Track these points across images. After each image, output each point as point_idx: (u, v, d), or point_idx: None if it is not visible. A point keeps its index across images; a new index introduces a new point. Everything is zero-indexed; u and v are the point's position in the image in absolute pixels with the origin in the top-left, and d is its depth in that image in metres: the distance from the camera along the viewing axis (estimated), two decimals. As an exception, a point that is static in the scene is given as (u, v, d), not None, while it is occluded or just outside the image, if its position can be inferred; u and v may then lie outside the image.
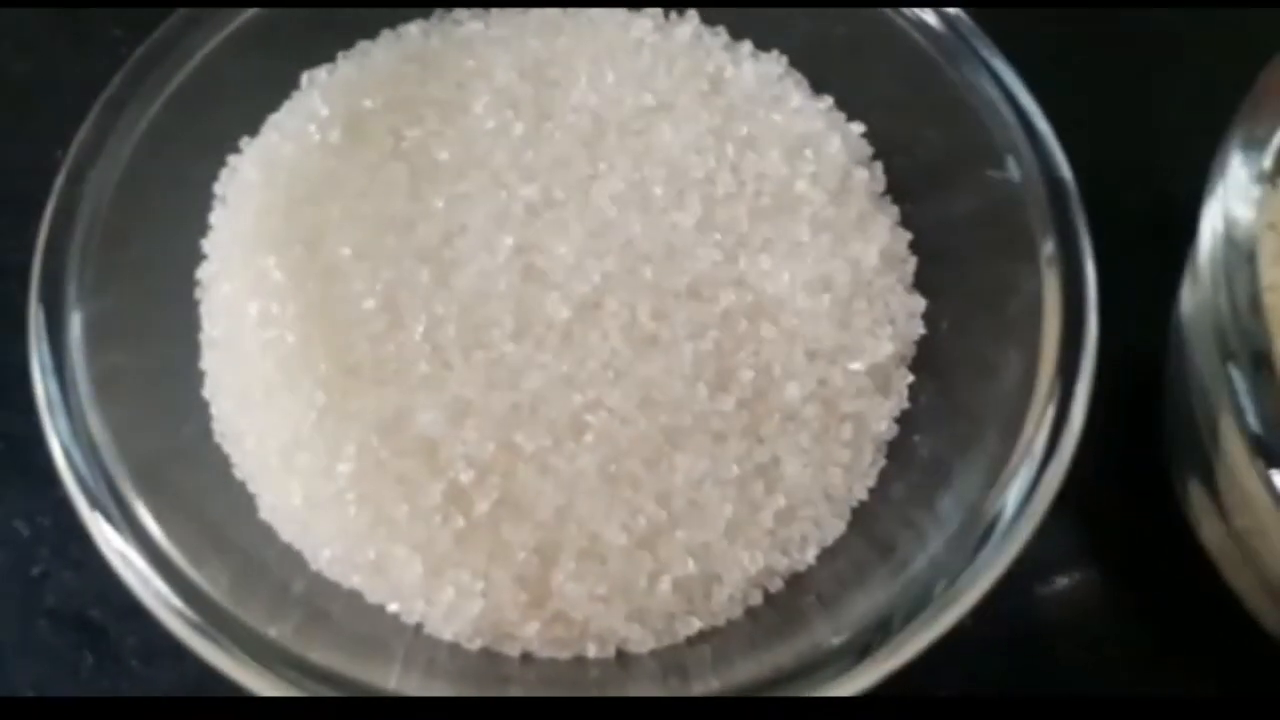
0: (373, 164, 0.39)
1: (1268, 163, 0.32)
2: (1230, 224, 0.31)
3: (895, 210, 0.40)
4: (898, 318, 0.38)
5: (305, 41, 0.40)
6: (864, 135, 0.40)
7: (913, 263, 0.39)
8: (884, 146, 0.40)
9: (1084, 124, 0.36)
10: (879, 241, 0.38)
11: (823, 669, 0.30)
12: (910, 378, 0.38)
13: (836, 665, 0.30)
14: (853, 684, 0.29)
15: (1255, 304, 0.30)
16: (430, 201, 0.38)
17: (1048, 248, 0.33)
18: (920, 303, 0.38)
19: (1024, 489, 0.31)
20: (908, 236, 0.39)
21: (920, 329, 0.38)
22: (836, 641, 0.30)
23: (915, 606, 0.30)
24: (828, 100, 0.41)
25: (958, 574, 0.30)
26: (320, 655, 0.31)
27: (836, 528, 0.36)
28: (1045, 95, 0.36)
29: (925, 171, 0.39)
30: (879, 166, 0.40)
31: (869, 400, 0.37)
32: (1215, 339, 0.31)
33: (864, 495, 0.36)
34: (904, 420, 0.37)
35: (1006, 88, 0.35)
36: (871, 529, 0.36)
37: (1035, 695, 0.38)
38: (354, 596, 0.35)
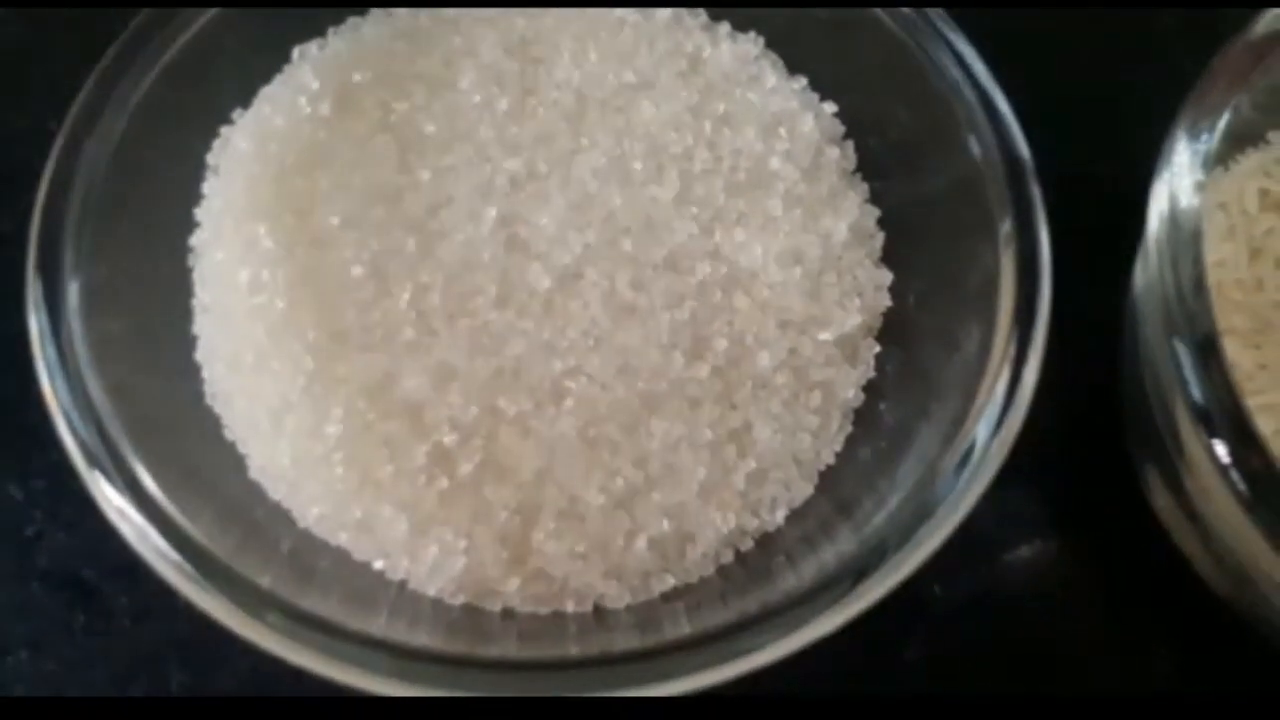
0: (361, 136, 0.40)
1: (1215, 145, 0.34)
2: (1175, 206, 0.33)
3: (865, 187, 0.41)
4: (865, 290, 0.39)
5: (297, 16, 0.41)
6: (836, 115, 0.41)
7: (881, 238, 0.40)
8: (855, 126, 0.41)
9: (1055, 105, 0.38)
10: (849, 217, 0.39)
11: (788, 614, 0.31)
12: (877, 348, 0.39)
13: (801, 611, 0.31)
14: (818, 629, 0.31)
15: (1199, 283, 0.32)
16: (417, 173, 0.39)
17: (1006, 223, 0.35)
18: (887, 276, 0.39)
19: (979, 450, 0.32)
20: (876, 213, 0.40)
21: (887, 301, 0.39)
22: (800, 591, 0.32)
23: (875, 559, 0.31)
24: (802, 80, 0.42)
25: (915, 529, 0.32)
26: (308, 605, 0.32)
27: (805, 490, 0.37)
28: (1016, 79, 0.37)
29: (894, 150, 0.40)
30: (850, 145, 0.41)
31: (837, 369, 0.38)
32: (1162, 316, 0.32)
33: (831, 459, 0.38)
34: (870, 388, 0.38)
35: (970, 70, 0.36)
36: (838, 491, 0.37)
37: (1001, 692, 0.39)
38: (341, 554, 0.36)
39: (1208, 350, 0.31)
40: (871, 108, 0.41)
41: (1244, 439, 0.30)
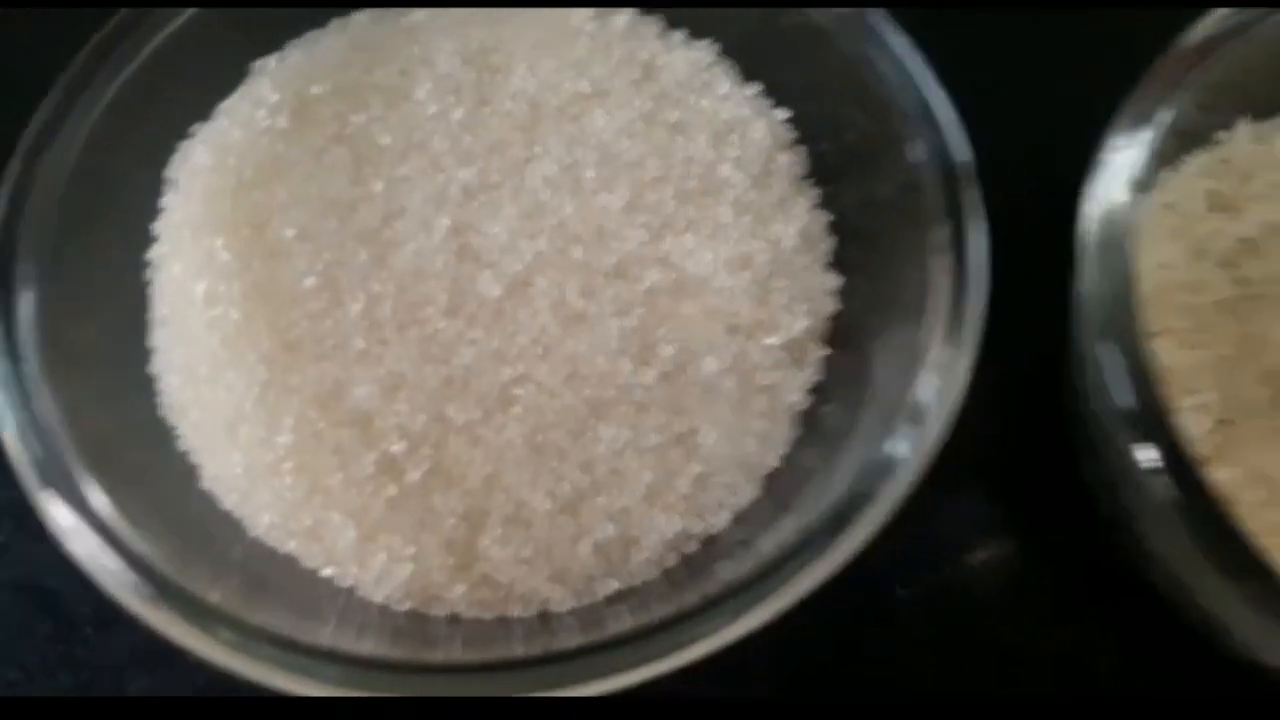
0: (318, 148, 0.40)
1: (1152, 148, 0.34)
2: (1107, 209, 0.33)
3: (815, 192, 0.41)
4: (814, 295, 0.39)
5: (256, 30, 0.41)
6: (789, 121, 0.41)
7: (830, 243, 0.40)
8: (808, 131, 0.41)
9: (1005, 107, 0.38)
10: (798, 223, 0.40)
11: (725, 604, 0.31)
12: (823, 351, 0.39)
13: (742, 598, 0.31)
14: (755, 618, 0.31)
15: (1129, 286, 0.32)
16: (371, 184, 0.39)
17: (945, 227, 0.35)
18: (835, 281, 0.39)
19: (910, 452, 0.32)
20: (826, 218, 0.40)
21: (834, 305, 0.39)
22: (740, 580, 0.32)
23: (812, 551, 0.32)
24: (755, 87, 0.42)
25: (849, 522, 0.32)
26: (257, 619, 0.32)
27: (750, 493, 0.37)
28: (967, 82, 0.37)
29: (846, 155, 0.40)
30: (801, 151, 0.41)
31: (784, 373, 0.38)
32: (1095, 318, 0.32)
33: (776, 462, 0.38)
34: (816, 391, 0.39)
35: (912, 77, 0.37)
36: (782, 492, 0.37)
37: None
38: (289, 561, 0.36)
39: (1134, 354, 0.31)
40: (823, 113, 0.41)
41: (1170, 445, 0.30)
